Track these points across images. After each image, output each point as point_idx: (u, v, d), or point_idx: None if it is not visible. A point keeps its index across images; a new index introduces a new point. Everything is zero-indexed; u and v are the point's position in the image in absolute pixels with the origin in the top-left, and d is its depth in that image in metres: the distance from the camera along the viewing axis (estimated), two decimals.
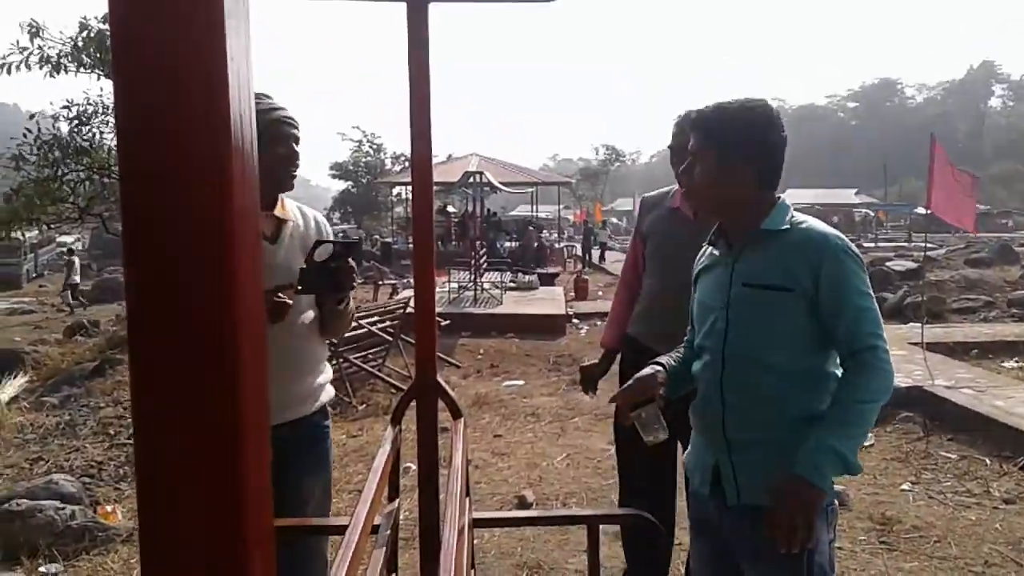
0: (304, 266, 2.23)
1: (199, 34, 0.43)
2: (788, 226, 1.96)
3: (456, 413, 2.27)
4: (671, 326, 2.55)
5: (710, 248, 2.16)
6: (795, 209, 2.01)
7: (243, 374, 0.43)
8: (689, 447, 2.23)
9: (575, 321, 13.86)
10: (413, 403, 2.30)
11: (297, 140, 2.45)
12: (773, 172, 2.00)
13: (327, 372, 2.74)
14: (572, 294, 17.38)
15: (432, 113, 2.19)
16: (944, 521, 4.80)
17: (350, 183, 45.13)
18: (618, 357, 3.44)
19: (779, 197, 2.04)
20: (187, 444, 0.42)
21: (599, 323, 13.62)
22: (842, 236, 1.97)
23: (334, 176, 45.93)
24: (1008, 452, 5.90)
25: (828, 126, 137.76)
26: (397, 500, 2.23)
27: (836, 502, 2.00)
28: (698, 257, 2.24)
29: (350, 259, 2.31)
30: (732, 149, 1.96)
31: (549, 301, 15.02)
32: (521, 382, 9.15)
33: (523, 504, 5.14)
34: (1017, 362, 9.83)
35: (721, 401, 2.01)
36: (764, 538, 1.87)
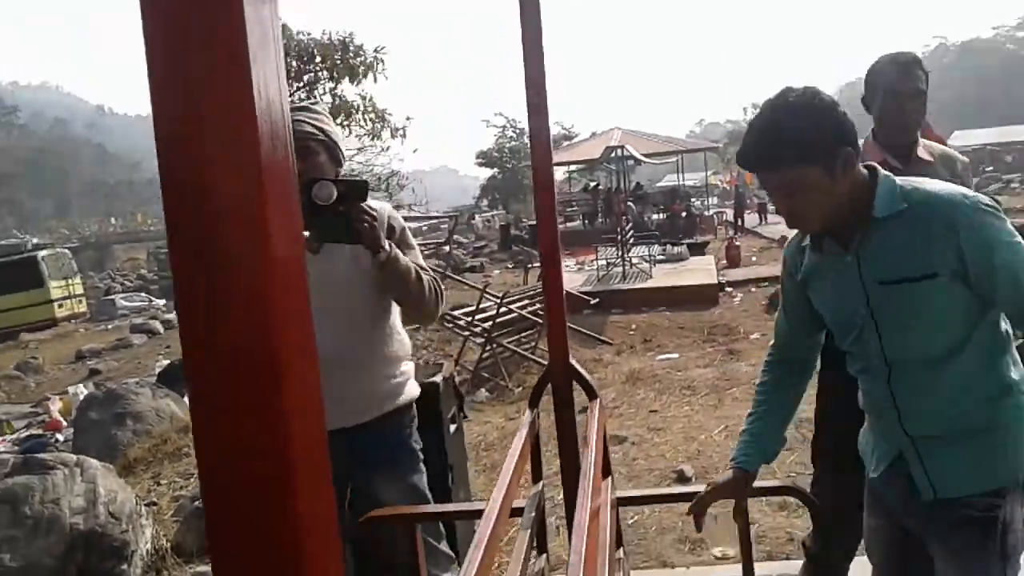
0: (305, 208, 2.01)
1: (224, 58, 0.45)
2: (905, 204, 1.73)
3: (592, 394, 2.28)
4: None
5: (806, 252, 1.91)
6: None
7: (289, 387, 0.46)
8: (864, 429, 2.03)
9: (728, 289, 13.52)
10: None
11: (310, 151, 2.22)
12: (858, 150, 1.76)
13: (397, 368, 2.47)
14: (724, 261, 16.94)
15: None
16: None
17: (496, 170, 45.82)
18: None
19: (873, 168, 1.80)
20: (242, 464, 0.45)
21: (753, 289, 13.25)
22: (967, 191, 1.75)
23: (480, 164, 46.76)
24: None
25: (996, 59, 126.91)
26: (541, 482, 2.26)
27: None
28: (790, 266, 1.99)
29: (364, 203, 2.10)
30: (831, 154, 1.69)
31: (700, 271, 14.73)
32: (675, 355, 9.04)
33: (682, 478, 5.09)
34: None
35: (894, 404, 1.82)
36: (954, 519, 1.76)
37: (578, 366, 2.24)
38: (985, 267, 1.67)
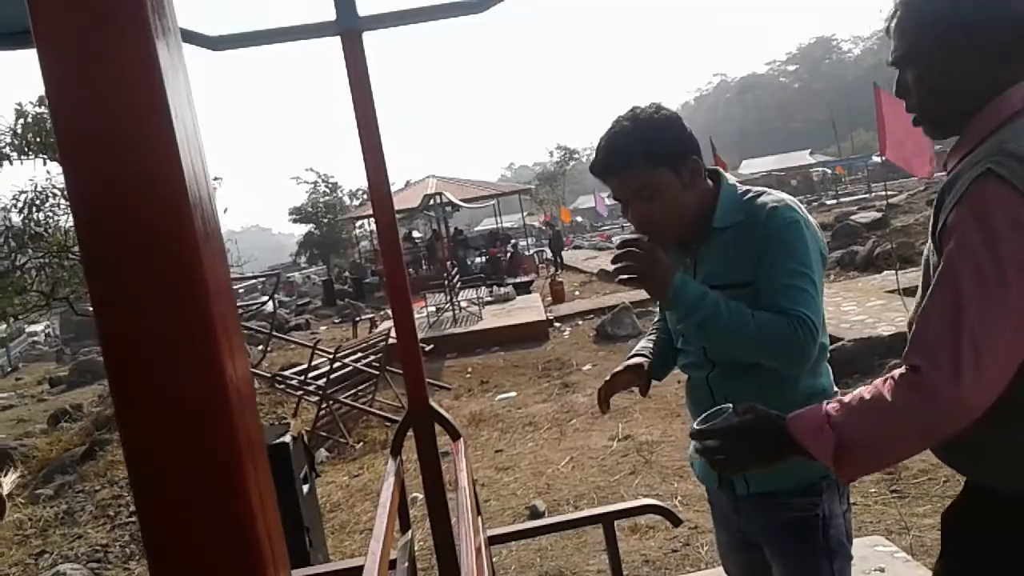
0: None
1: (139, 97, 0.42)
2: (742, 217, 1.84)
3: (455, 434, 2.26)
4: None
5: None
6: (753, 180, 1.92)
7: (237, 429, 0.43)
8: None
9: (556, 324, 13.86)
10: (411, 432, 2.29)
11: None
12: (702, 161, 1.88)
13: None
14: (549, 298, 17.39)
15: (383, 139, 2.19)
16: None
17: (312, 226, 45.04)
18: None
19: (717, 174, 1.93)
20: (188, 506, 0.42)
21: (580, 323, 13.66)
22: (793, 205, 1.82)
23: (295, 221, 45.82)
24: None
25: (772, 92, 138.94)
26: (410, 531, 2.22)
27: None
28: None
29: None
30: (679, 159, 1.82)
31: (528, 309, 15.01)
32: (513, 394, 9.14)
33: (535, 514, 5.13)
34: None
35: (712, 399, 1.89)
36: (780, 522, 1.85)
37: (439, 407, 2.22)
38: (765, 278, 1.76)
